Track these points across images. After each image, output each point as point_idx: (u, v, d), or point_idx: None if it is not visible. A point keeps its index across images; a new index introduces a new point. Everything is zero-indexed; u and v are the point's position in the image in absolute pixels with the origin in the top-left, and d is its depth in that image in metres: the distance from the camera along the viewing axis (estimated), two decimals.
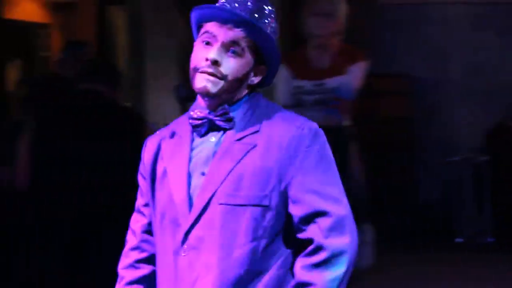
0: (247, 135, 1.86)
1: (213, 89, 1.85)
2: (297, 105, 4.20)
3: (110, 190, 3.49)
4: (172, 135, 1.92)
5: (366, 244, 4.11)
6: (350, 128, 4.34)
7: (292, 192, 1.81)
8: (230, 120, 1.87)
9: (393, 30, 7.92)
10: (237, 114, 1.89)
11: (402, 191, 7.57)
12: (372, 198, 4.72)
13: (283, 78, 4.20)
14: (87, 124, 3.48)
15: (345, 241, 1.77)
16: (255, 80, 1.90)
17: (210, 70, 1.84)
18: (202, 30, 1.86)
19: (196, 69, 1.84)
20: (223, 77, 1.85)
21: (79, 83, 3.65)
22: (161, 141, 1.92)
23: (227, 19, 1.83)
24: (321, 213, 1.78)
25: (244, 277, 1.79)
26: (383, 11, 7.96)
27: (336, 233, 1.77)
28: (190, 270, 1.84)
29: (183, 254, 1.85)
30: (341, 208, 1.80)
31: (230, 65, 1.85)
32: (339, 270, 1.76)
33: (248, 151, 1.84)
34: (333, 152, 1.84)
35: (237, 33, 1.84)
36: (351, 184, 3.71)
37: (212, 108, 1.87)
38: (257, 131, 1.86)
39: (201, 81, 1.84)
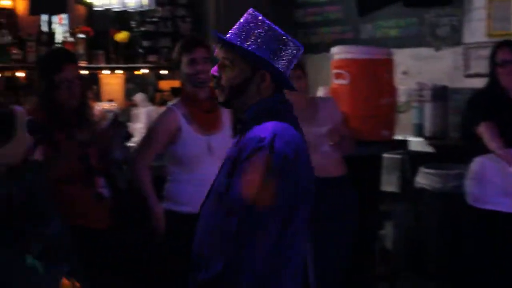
0: (240, 138, 2.17)
1: (220, 99, 2.23)
2: None
3: None
4: None
5: None
6: None
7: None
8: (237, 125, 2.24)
9: None
10: (244, 119, 2.19)
11: None
12: None
13: None
14: None
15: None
16: (262, 85, 2.17)
17: (214, 84, 2.23)
18: None
19: None
20: (223, 88, 2.20)
21: None
22: None
23: (218, 41, 2.19)
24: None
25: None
26: None
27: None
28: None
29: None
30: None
31: (225, 77, 2.18)
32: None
33: (233, 151, 2.15)
34: None
35: (223, 51, 2.17)
36: None
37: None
38: (243, 135, 2.15)
39: None
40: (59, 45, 5.43)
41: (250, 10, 2.20)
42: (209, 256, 2.07)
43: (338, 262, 4.07)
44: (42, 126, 2.91)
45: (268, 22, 2.16)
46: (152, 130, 3.60)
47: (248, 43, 2.13)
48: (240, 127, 2.22)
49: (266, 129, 2.08)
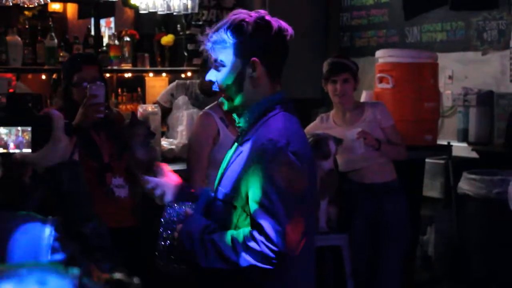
0: (243, 142, 2.13)
1: (224, 106, 2.21)
2: None
3: None
4: None
5: None
6: None
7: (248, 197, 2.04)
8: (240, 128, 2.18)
9: None
10: (245, 120, 2.15)
11: None
12: None
13: None
14: None
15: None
16: (255, 74, 2.11)
17: (214, 90, 2.19)
18: None
19: None
20: (221, 90, 2.16)
21: None
22: None
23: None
24: (257, 225, 1.99)
25: None
26: None
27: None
28: None
29: None
30: (266, 221, 1.97)
31: (220, 79, 2.15)
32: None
33: (237, 156, 2.12)
34: None
35: (212, 54, 2.14)
36: None
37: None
38: (249, 139, 2.10)
39: None
40: (104, 48, 5.51)
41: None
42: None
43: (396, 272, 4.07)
44: (78, 127, 2.96)
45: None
46: (195, 140, 3.59)
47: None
48: (243, 129, 2.18)
49: (274, 130, 2.06)
